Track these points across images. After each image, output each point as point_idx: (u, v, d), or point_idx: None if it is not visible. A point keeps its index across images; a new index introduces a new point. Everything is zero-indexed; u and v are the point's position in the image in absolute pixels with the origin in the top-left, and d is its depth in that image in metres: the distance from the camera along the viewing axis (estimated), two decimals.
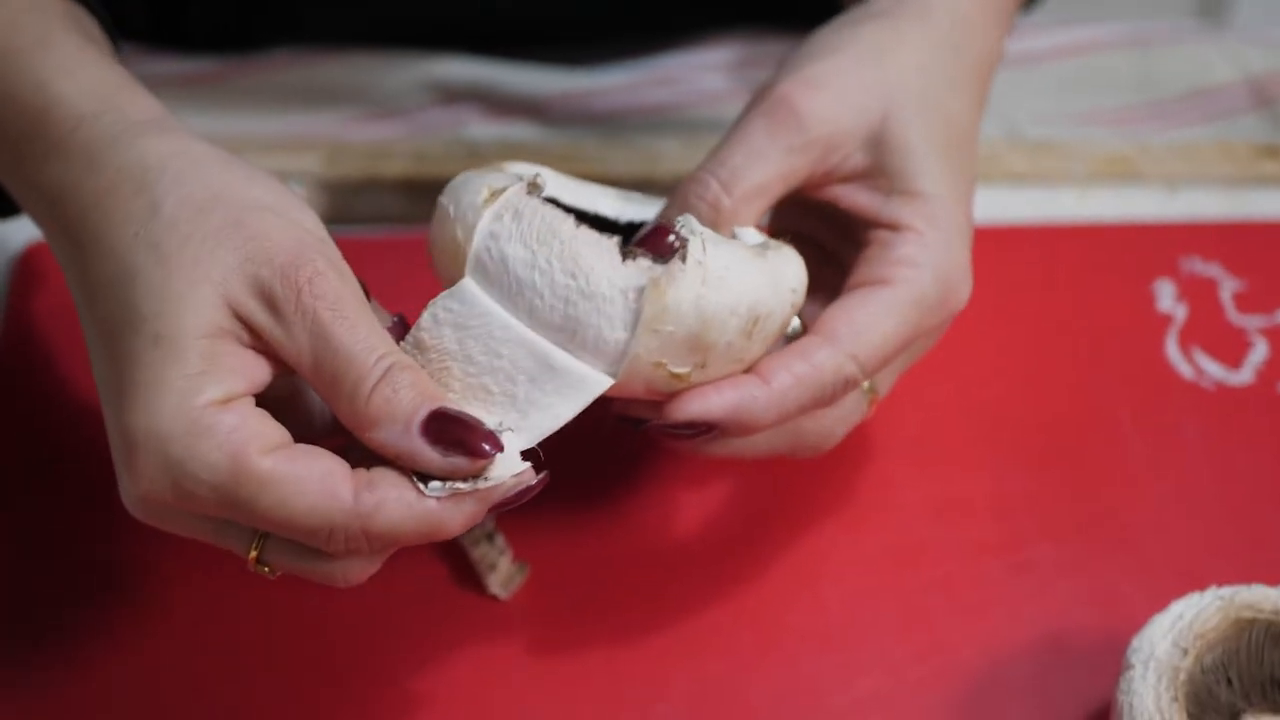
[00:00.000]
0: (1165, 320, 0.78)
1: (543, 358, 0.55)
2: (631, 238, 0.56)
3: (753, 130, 0.62)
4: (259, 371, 0.54)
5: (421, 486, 0.52)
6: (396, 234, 0.81)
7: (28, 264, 0.78)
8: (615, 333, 0.55)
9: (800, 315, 0.61)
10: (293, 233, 0.55)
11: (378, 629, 0.67)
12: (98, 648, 0.67)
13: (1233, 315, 0.78)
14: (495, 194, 0.56)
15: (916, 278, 0.61)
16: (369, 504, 0.52)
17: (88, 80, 0.58)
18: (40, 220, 0.59)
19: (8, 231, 0.79)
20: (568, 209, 0.56)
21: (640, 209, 0.62)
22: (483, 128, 0.87)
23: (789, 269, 0.58)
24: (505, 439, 0.53)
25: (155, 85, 0.61)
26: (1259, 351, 0.77)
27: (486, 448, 0.53)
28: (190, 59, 0.88)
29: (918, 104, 0.63)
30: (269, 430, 0.52)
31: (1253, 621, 0.61)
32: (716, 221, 0.61)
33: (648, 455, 0.72)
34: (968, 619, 0.68)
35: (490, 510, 0.53)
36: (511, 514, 0.55)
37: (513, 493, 0.54)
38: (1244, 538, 0.71)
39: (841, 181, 0.63)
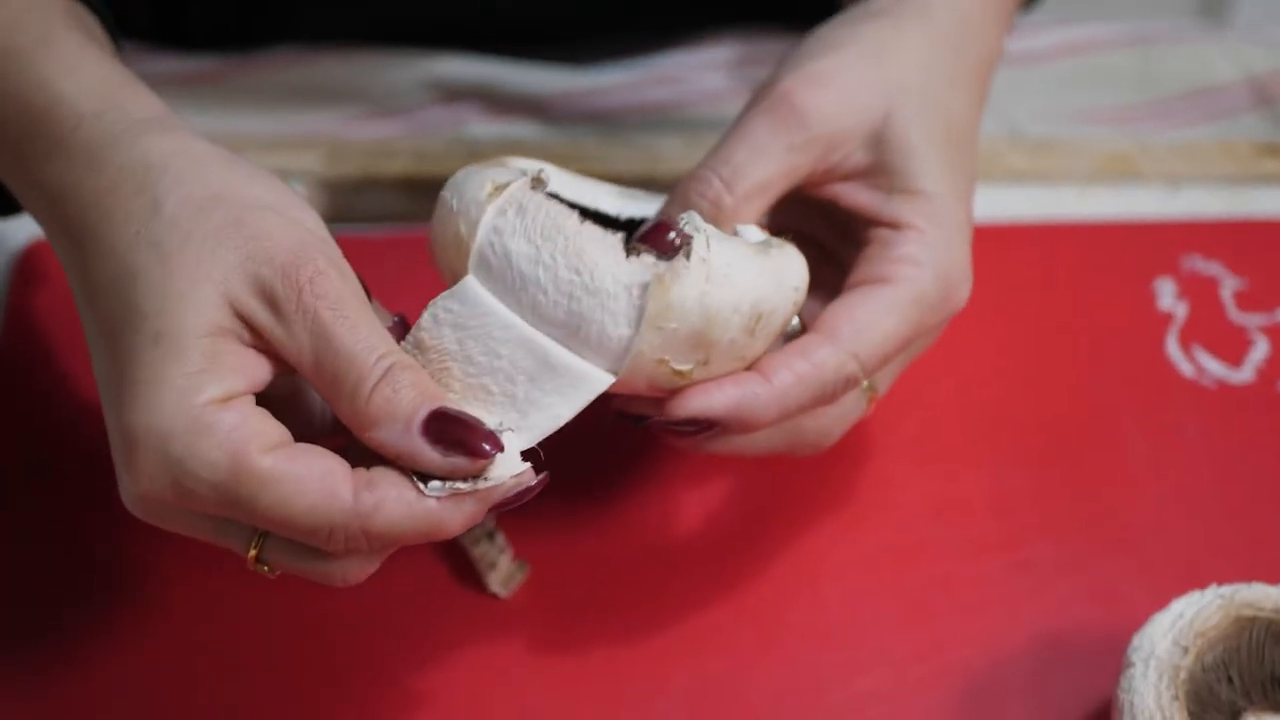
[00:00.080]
0: (1166, 318, 0.78)
1: (543, 357, 0.55)
2: (632, 234, 0.56)
3: (755, 127, 0.62)
4: (259, 370, 0.54)
5: (421, 486, 0.52)
6: (397, 232, 0.81)
7: (28, 262, 0.78)
8: (619, 329, 0.55)
9: (799, 313, 0.61)
10: (294, 232, 0.55)
11: (378, 628, 0.67)
12: (98, 648, 0.67)
13: (1233, 314, 0.78)
14: (499, 189, 0.56)
15: (918, 276, 0.61)
16: (369, 503, 0.52)
17: (89, 79, 0.58)
18: (41, 218, 0.59)
19: (8, 230, 0.79)
20: (569, 205, 0.56)
21: (640, 205, 0.62)
22: (483, 126, 0.87)
23: (791, 267, 0.58)
24: (505, 439, 0.53)
25: (156, 84, 0.61)
26: (1260, 350, 0.77)
27: (487, 448, 0.53)
28: (191, 58, 0.88)
29: (919, 102, 0.63)
30: (269, 429, 0.52)
31: (1253, 620, 0.61)
32: (718, 219, 0.61)
33: (648, 454, 0.72)
34: (968, 617, 0.68)
35: (490, 510, 0.53)
36: (512, 512, 0.55)
37: (513, 493, 0.54)
38: (1244, 536, 0.71)
39: (842, 179, 0.63)
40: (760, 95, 0.63)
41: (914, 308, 0.60)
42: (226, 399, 0.52)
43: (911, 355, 0.64)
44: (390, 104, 0.87)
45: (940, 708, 0.66)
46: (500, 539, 0.68)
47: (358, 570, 0.55)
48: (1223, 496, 0.72)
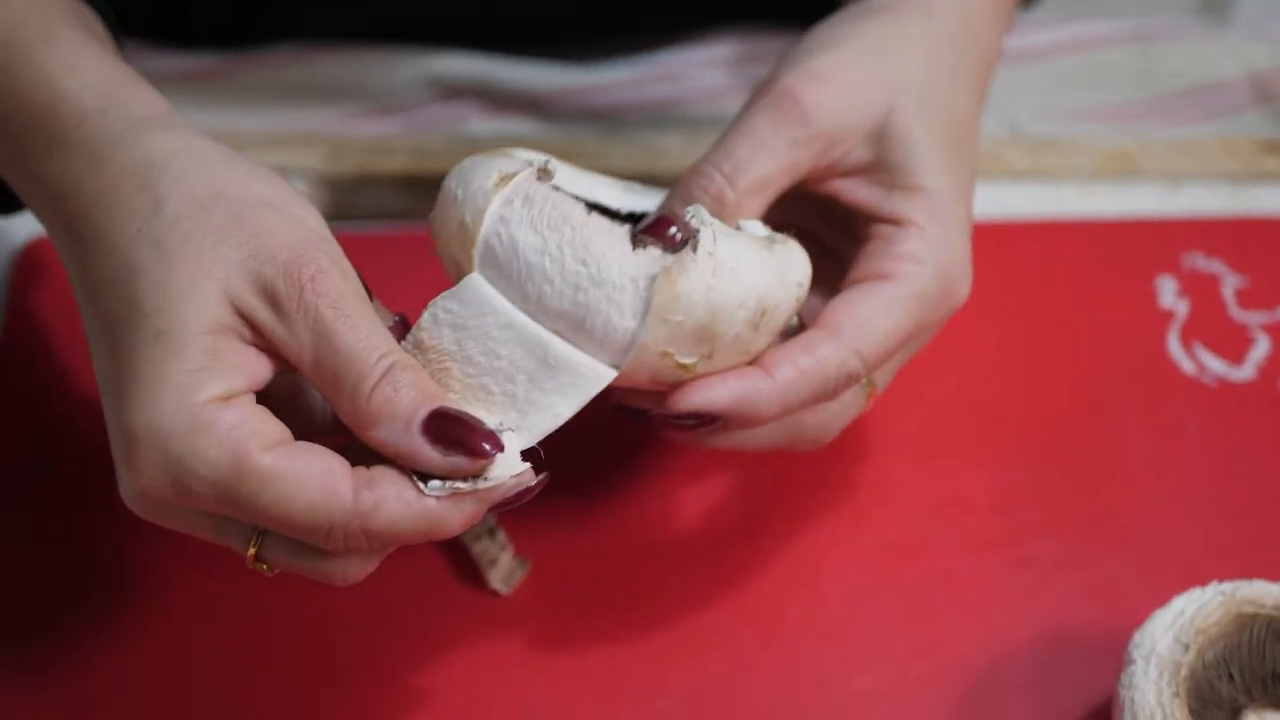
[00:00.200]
0: (1167, 316, 0.78)
1: (542, 356, 0.55)
2: (636, 227, 0.56)
3: (757, 123, 0.61)
4: (260, 368, 0.54)
5: (421, 485, 0.52)
6: (397, 229, 0.81)
7: (29, 259, 0.78)
8: (624, 321, 0.55)
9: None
10: (295, 230, 0.54)
11: (378, 626, 0.67)
12: (98, 648, 0.67)
13: (1234, 311, 0.78)
14: (505, 179, 0.56)
15: (919, 273, 0.61)
16: (368, 502, 0.52)
17: (92, 76, 0.58)
18: (42, 216, 0.59)
19: (9, 227, 0.79)
20: (573, 197, 0.56)
21: (641, 200, 0.62)
22: (483, 124, 0.87)
23: (795, 262, 0.58)
24: (505, 439, 0.53)
25: (157, 81, 0.61)
26: (1261, 347, 0.77)
27: (487, 447, 0.53)
28: (192, 55, 0.88)
29: (920, 99, 0.63)
30: (269, 427, 0.52)
31: (1254, 617, 0.61)
32: (721, 214, 0.61)
33: (648, 451, 0.72)
34: (968, 614, 0.68)
35: (489, 510, 0.53)
36: (513, 510, 0.55)
37: (512, 493, 0.53)
38: (1245, 533, 0.71)
39: (843, 175, 0.63)
40: (762, 91, 0.63)
41: (915, 304, 0.60)
42: (227, 397, 0.52)
43: (910, 352, 0.64)
44: (390, 101, 0.87)
45: (941, 705, 0.66)
46: (501, 536, 0.68)
47: (357, 569, 0.55)
48: (1224, 494, 0.72)
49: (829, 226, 0.65)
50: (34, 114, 0.58)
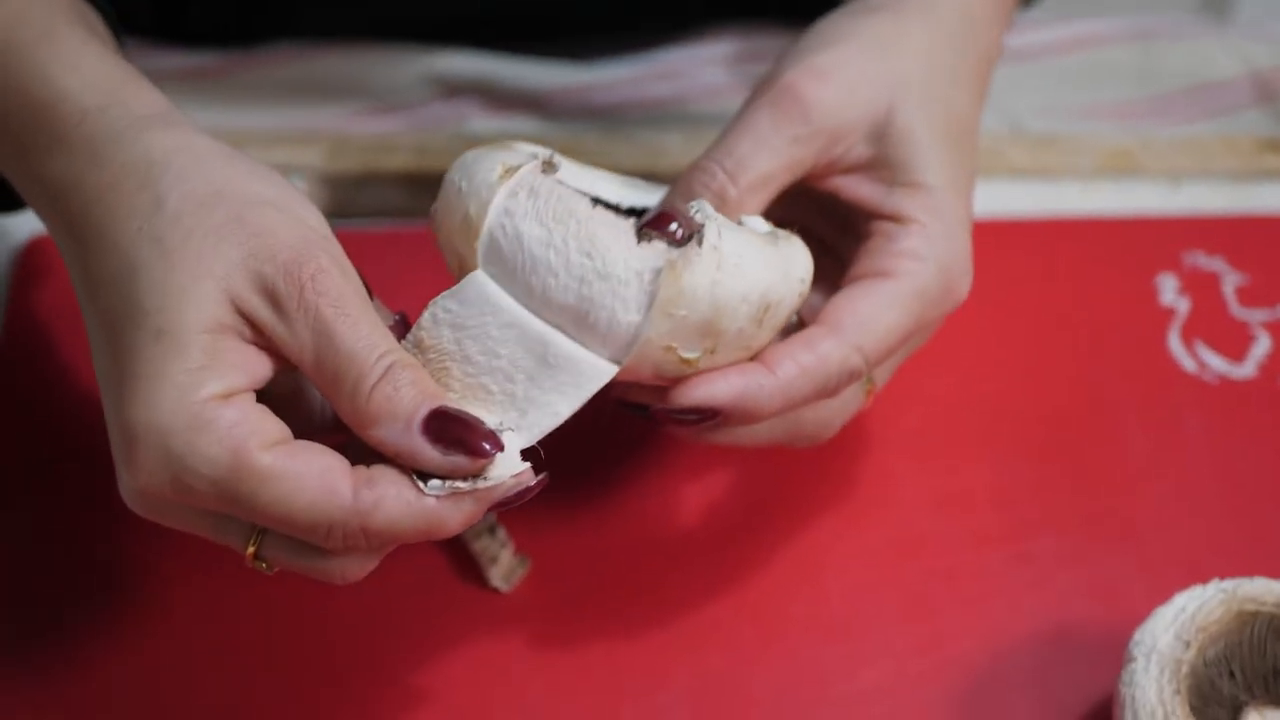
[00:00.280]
0: (1168, 314, 0.78)
1: (542, 355, 0.55)
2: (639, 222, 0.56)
3: (758, 120, 0.61)
4: (260, 367, 0.54)
5: (421, 485, 0.52)
6: (398, 228, 0.81)
7: (30, 257, 0.78)
8: (628, 315, 0.55)
9: None
10: (296, 229, 0.54)
11: (378, 623, 0.67)
12: (98, 648, 0.67)
13: (1235, 309, 0.78)
14: (510, 171, 0.56)
15: (920, 270, 0.61)
16: (368, 501, 0.52)
17: (92, 74, 0.58)
18: (43, 213, 0.59)
19: (10, 225, 0.79)
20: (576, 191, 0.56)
21: (642, 195, 0.62)
22: (484, 122, 0.87)
23: (798, 258, 0.58)
24: (505, 438, 0.53)
25: (158, 80, 0.61)
26: (1262, 345, 0.77)
27: (487, 447, 0.53)
28: (193, 53, 0.88)
29: (921, 97, 0.63)
30: (269, 426, 0.52)
31: (1255, 614, 0.61)
32: (722, 210, 0.60)
33: (649, 448, 0.72)
34: (969, 611, 0.68)
35: (489, 510, 0.53)
36: (513, 508, 0.55)
37: (512, 493, 0.53)
38: (1246, 530, 0.71)
39: (843, 172, 0.63)
40: (763, 88, 0.63)
41: (916, 301, 0.60)
42: (227, 395, 0.52)
43: (911, 349, 0.64)
44: (391, 100, 0.87)
45: (942, 701, 0.66)
46: (501, 533, 0.68)
47: (357, 568, 0.55)
48: (1224, 491, 0.72)
49: (830, 223, 0.65)
50: (35, 112, 0.58)
